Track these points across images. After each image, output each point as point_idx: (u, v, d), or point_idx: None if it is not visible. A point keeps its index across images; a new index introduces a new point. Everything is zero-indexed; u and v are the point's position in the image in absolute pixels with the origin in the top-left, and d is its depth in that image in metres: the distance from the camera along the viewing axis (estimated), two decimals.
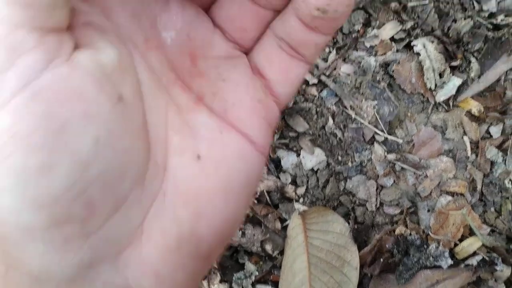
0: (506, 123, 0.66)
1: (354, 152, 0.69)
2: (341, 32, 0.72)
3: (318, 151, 0.70)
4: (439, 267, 0.65)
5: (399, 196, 0.68)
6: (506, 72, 0.66)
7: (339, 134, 0.70)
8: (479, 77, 0.67)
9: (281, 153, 0.72)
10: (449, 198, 0.66)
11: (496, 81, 0.66)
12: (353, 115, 0.69)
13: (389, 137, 0.68)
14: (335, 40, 0.72)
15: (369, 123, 0.69)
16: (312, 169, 0.70)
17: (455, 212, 0.65)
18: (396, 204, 0.68)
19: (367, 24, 0.71)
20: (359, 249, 0.65)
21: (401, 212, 0.68)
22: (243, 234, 0.70)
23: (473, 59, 0.67)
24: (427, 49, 0.67)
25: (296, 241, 0.68)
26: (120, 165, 0.16)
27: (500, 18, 0.66)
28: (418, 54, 0.67)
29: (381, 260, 0.66)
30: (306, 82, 0.72)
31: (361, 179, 0.69)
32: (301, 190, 0.70)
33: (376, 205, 0.68)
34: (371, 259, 0.67)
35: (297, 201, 0.71)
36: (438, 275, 0.65)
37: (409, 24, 0.69)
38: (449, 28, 0.68)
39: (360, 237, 0.68)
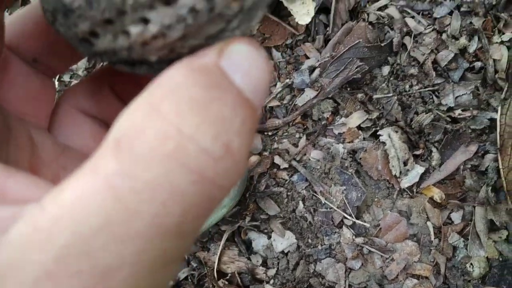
0: (466, 210, 0.71)
1: (323, 235, 0.74)
2: (311, 119, 0.79)
3: (288, 234, 0.75)
4: None
5: (367, 278, 0.71)
6: (465, 162, 0.72)
7: (309, 217, 0.74)
8: (440, 166, 0.73)
9: (252, 235, 0.76)
10: (415, 281, 0.70)
11: (455, 170, 0.72)
12: (323, 200, 0.74)
13: (357, 221, 0.73)
14: (305, 126, 0.78)
15: (338, 207, 0.74)
16: (282, 252, 0.74)
17: None
18: (364, 287, 0.71)
19: (335, 112, 0.78)
20: None
21: None
22: None
23: (434, 149, 0.73)
24: (392, 138, 0.73)
25: None
26: None
27: (457, 112, 0.73)
28: (383, 143, 0.73)
29: None
30: (277, 167, 0.77)
31: (330, 262, 0.73)
32: (271, 272, 0.74)
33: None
34: None
35: (268, 282, 0.74)
36: None
37: (374, 114, 0.76)
38: (411, 120, 0.75)
39: None
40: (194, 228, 0.17)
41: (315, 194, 0.75)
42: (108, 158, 0.16)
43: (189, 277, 0.79)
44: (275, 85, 0.82)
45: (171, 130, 0.16)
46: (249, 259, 0.76)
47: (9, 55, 0.24)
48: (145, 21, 0.18)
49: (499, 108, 0.71)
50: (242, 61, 0.18)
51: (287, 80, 0.82)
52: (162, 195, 0.16)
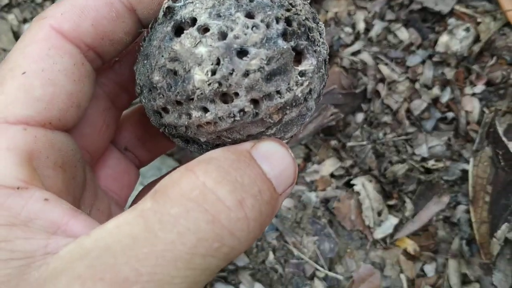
0: (439, 262, 0.73)
1: (294, 287, 0.74)
2: None
3: (258, 285, 0.74)
4: None
5: None
6: (437, 213, 0.74)
7: (279, 269, 0.75)
8: (413, 216, 0.75)
9: (220, 286, 0.76)
10: None
11: (428, 221, 0.74)
12: (295, 251, 0.74)
13: (330, 273, 0.74)
14: None
15: (310, 258, 0.74)
16: None
17: None
18: None
19: (307, 159, 0.80)
20: None
21: None
22: None
23: (407, 199, 0.75)
24: (366, 188, 0.75)
25: None
26: None
27: (430, 163, 0.76)
28: (357, 193, 0.75)
29: None
30: None
31: None
32: None
33: None
34: None
35: None
36: None
37: (348, 163, 0.78)
38: (385, 169, 0.77)
39: None
40: (203, 264, 0.21)
41: (286, 244, 0.76)
42: (146, 201, 0.22)
43: None
44: None
45: (198, 183, 0.22)
46: None
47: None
48: (205, 109, 0.25)
49: (471, 160, 0.74)
50: (270, 154, 0.25)
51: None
52: (180, 226, 0.20)
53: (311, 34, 0.25)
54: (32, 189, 0.23)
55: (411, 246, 0.75)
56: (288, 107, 0.25)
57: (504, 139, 0.64)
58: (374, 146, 0.79)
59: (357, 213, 0.76)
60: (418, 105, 0.80)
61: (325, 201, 0.78)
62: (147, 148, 0.35)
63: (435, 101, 0.80)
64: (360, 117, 0.81)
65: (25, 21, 0.90)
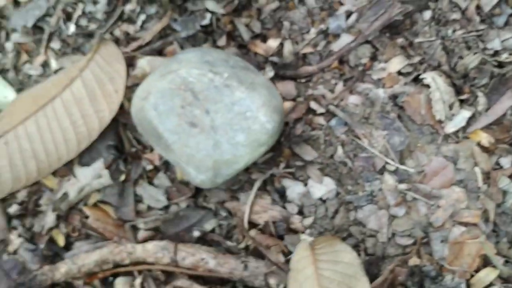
0: None
1: (364, 181, 0.74)
2: (348, 65, 0.79)
3: (327, 180, 0.75)
4: None
5: (412, 226, 0.72)
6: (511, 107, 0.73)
7: (348, 163, 0.75)
8: (486, 110, 0.74)
9: (287, 182, 0.76)
10: (463, 228, 0.71)
11: (503, 115, 0.73)
12: (365, 144, 0.74)
13: (400, 167, 0.73)
14: (341, 72, 0.79)
15: (379, 152, 0.74)
16: (320, 199, 0.74)
17: (471, 242, 0.69)
18: (408, 235, 0.72)
19: (373, 58, 0.79)
20: (371, 281, 0.67)
21: (414, 243, 0.71)
22: (246, 267, 0.72)
23: (480, 93, 0.74)
24: (436, 82, 0.74)
25: (303, 274, 0.69)
26: None
27: (504, 56, 0.75)
28: (427, 86, 0.74)
29: None
30: (313, 112, 0.78)
31: (372, 209, 0.73)
32: (308, 221, 0.74)
33: (387, 236, 0.71)
34: None
35: (304, 232, 0.74)
36: None
37: (416, 59, 0.77)
38: (455, 64, 0.76)
39: (371, 269, 0.71)
40: None
41: (355, 138, 0.76)
42: None
43: (216, 229, 0.78)
44: (308, 31, 0.83)
45: None
46: (283, 207, 0.76)
47: None
48: None
49: None
50: None
51: (322, 26, 0.82)
52: None
53: None
54: None
55: (485, 139, 0.74)
56: None
57: None
58: (443, 43, 0.78)
59: (427, 108, 0.75)
60: (489, 2, 0.78)
61: (394, 97, 0.77)
62: None
63: None
64: (427, 14, 0.80)
65: None
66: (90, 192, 0.80)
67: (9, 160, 0.78)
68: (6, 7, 0.91)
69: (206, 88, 0.69)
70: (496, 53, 0.76)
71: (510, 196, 0.72)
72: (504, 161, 0.73)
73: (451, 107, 0.75)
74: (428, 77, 0.76)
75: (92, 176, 0.79)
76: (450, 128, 0.75)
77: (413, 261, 0.72)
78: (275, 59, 0.83)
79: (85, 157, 0.81)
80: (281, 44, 0.84)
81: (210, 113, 0.69)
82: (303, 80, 0.81)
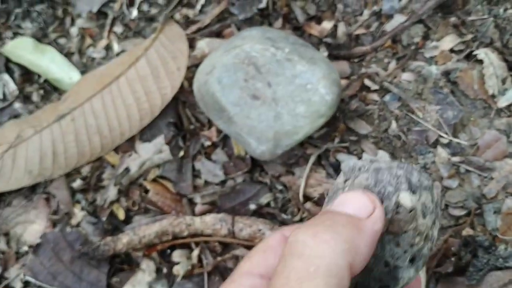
0: None
1: (417, 154, 0.80)
2: (401, 44, 0.85)
3: (381, 153, 0.80)
4: (510, 268, 0.72)
5: (465, 198, 0.77)
6: None
7: (402, 136, 0.80)
8: None
9: (341, 156, 0.82)
10: None
11: None
12: (419, 116, 0.80)
13: (454, 140, 0.79)
14: (394, 51, 0.85)
15: (432, 126, 0.79)
16: None
17: None
18: (461, 206, 0.77)
19: (426, 37, 0.85)
20: None
21: (467, 214, 0.76)
22: None
23: None
24: (489, 57, 0.80)
25: None
26: None
27: None
28: (480, 61, 0.80)
29: (451, 260, 0.73)
30: (367, 89, 0.84)
31: None
32: None
33: (441, 207, 0.77)
34: (437, 261, 0.74)
35: None
36: (510, 275, 0.72)
37: (468, 37, 0.83)
38: (508, 41, 0.81)
39: None
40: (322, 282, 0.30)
41: (408, 113, 0.82)
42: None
43: (271, 202, 0.84)
44: (362, 13, 0.90)
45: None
46: None
47: None
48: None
49: None
50: (342, 200, 0.37)
51: (375, 8, 0.89)
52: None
53: None
54: None
55: None
56: None
57: None
58: (495, 21, 0.84)
59: (480, 83, 0.81)
60: None
61: (446, 74, 0.83)
62: None
63: None
64: None
65: None
66: (150, 167, 0.87)
67: (75, 136, 0.87)
68: None
69: (268, 62, 0.76)
70: None
71: None
72: None
73: (504, 81, 0.80)
74: (482, 53, 0.81)
75: (153, 152, 0.87)
76: (503, 102, 0.80)
77: (466, 231, 0.77)
78: (329, 40, 0.90)
79: (146, 133, 0.88)
80: (335, 26, 0.91)
81: (272, 85, 0.76)
82: (356, 60, 0.88)
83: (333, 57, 0.88)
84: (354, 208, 0.35)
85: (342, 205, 0.36)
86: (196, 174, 0.87)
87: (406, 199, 0.37)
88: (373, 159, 0.42)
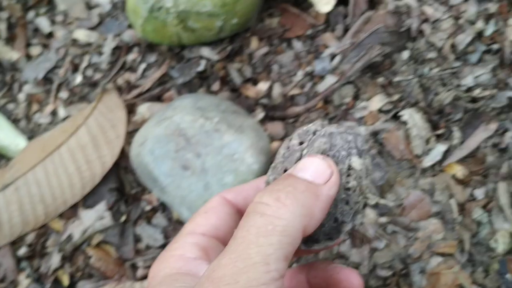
0: (489, 186, 0.79)
1: None
2: (332, 104, 0.88)
3: None
4: None
5: (392, 258, 0.79)
6: (485, 139, 0.80)
7: None
8: (461, 144, 0.81)
9: None
10: (440, 259, 0.78)
11: (476, 148, 0.81)
12: None
13: (381, 201, 0.81)
14: (326, 111, 0.88)
15: None
16: None
17: (447, 272, 0.76)
18: (388, 267, 0.79)
19: (356, 97, 0.88)
20: None
21: (393, 275, 0.78)
22: None
23: (455, 128, 0.82)
24: (413, 118, 0.82)
25: None
26: None
27: (476, 92, 0.83)
28: (405, 123, 0.82)
29: None
30: None
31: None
32: None
33: (369, 268, 0.79)
34: None
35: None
36: None
37: (395, 97, 0.85)
38: (432, 101, 0.84)
39: None
40: (275, 243, 0.34)
41: None
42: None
43: None
44: (296, 74, 0.92)
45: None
46: None
47: None
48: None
49: None
50: (303, 165, 0.40)
51: (308, 68, 0.92)
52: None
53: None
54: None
55: (460, 171, 0.81)
56: None
57: None
58: (420, 81, 0.86)
59: (405, 144, 0.83)
60: (462, 40, 0.87)
61: (374, 134, 0.85)
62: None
63: (479, 35, 0.87)
64: (405, 54, 0.88)
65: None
66: (93, 233, 0.89)
67: (19, 205, 0.89)
68: (19, 61, 1.03)
69: (197, 133, 0.79)
70: (470, 89, 0.84)
71: (484, 226, 0.79)
72: (478, 193, 0.80)
73: (427, 142, 0.83)
74: (406, 114, 0.84)
75: (95, 218, 0.89)
76: (427, 162, 0.82)
77: None
78: (265, 101, 0.92)
79: (89, 200, 0.91)
80: (271, 87, 0.93)
81: (201, 156, 0.79)
82: (290, 120, 0.91)
83: (269, 118, 0.91)
84: (313, 174, 0.39)
85: (303, 171, 0.40)
86: (137, 239, 0.89)
87: (356, 163, 0.42)
88: (324, 123, 0.46)
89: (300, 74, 0.93)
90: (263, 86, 0.94)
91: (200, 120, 0.79)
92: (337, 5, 0.95)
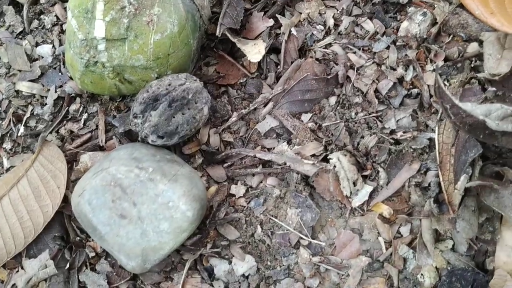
0: (413, 223, 0.82)
1: (281, 256, 0.83)
2: (267, 149, 0.90)
3: (248, 257, 0.84)
4: None
5: None
6: (409, 179, 0.83)
7: (267, 240, 0.84)
8: (387, 184, 0.84)
9: (214, 261, 0.86)
10: None
11: (401, 187, 0.83)
12: (280, 222, 0.84)
13: (313, 241, 0.83)
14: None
15: (294, 229, 0.83)
16: (243, 275, 0.83)
17: None
18: None
19: (289, 142, 0.90)
20: None
21: None
22: None
23: (380, 169, 0.85)
24: (341, 161, 0.85)
25: None
26: None
27: (399, 134, 0.86)
28: (334, 166, 0.84)
29: None
30: (235, 195, 0.88)
31: (289, 282, 0.82)
32: None
33: None
34: None
35: None
36: None
37: (324, 141, 0.87)
38: (358, 143, 0.87)
39: None
40: None
41: (271, 218, 0.85)
42: None
43: None
44: (227, 119, 0.94)
45: None
46: (211, 285, 0.84)
47: None
48: None
49: (436, 128, 0.84)
50: None
51: (243, 111, 0.94)
52: None
53: None
54: None
55: (386, 210, 0.83)
56: None
57: (447, 92, 0.73)
58: (348, 125, 0.89)
59: (335, 185, 0.86)
60: (385, 85, 0.90)
61: (306, 177, 0.87)
62: None
63: (401, 80, 0.90)
64: (333, 100, 0.91)
65: (37, 45, 1.04)
66: (37, 281, 0.88)
67: None
68: None
69: (133, 183, 0.80)
70: (393, 131, 0.87)
71: (410, 262, 0.81)
72: (404, 230, 0.83)
73: (355, 183, 0.85)
74: (334, 157, 0.86)
75: (38, 267, 0.88)
76: (356, 202, 0.85)
77: None
78: (204, 147, 0.94)
79: (32, 249, 0.90)
80: (208, 133, 0.95)
81: (137, 205, 0.79)
82: (225, 165, 0.92)
83: (207, 163, 0.92)
84: None
85: None
86: (82, 285, 0.88)
87: None
88: None
89: (235, 118, 0.94)
90: (201, 131, 0.95)
91: (135, 171, 0.80)
92: (269, 53, 0.97)
